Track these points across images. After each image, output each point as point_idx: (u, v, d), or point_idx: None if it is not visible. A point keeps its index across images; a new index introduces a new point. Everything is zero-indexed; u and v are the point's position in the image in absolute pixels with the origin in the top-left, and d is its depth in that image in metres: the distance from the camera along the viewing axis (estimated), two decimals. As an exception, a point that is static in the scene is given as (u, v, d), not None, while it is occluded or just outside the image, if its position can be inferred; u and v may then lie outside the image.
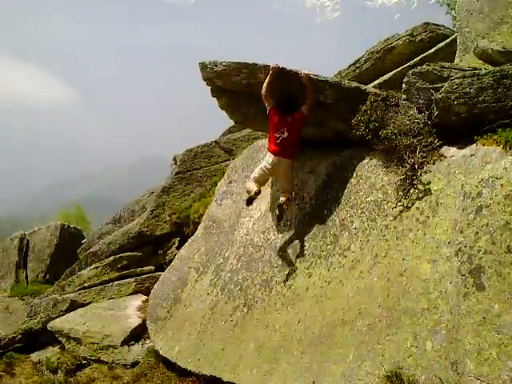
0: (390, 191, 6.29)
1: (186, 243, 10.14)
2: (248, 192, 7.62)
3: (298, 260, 7.12)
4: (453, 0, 17.90)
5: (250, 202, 7.65)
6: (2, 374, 10.69)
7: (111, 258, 12.88)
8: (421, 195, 5.78)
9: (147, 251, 12.85)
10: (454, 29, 11.14)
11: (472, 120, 5.61)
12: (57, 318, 11.49)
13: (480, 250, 4.29)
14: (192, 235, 10.30)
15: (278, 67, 7.06)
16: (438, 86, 5.99)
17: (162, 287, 9.62)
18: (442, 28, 11.02)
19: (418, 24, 11.11)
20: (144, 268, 12.28)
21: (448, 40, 10.22)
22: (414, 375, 4.68)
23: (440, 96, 5.77)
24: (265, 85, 7.09)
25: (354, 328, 5.62)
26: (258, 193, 7.40)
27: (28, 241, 18.26)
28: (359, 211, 6.59)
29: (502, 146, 5.24)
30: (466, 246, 4.46)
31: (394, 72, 10.11)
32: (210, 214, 9.88)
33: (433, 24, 11.05)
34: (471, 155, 5.53)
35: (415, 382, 4.65)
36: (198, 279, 8.82)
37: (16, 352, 11.61)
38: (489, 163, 5.16)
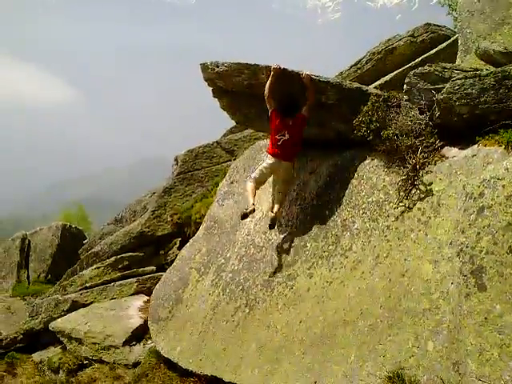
0: (391, 192, 6.30)
1: (188, 243, 10.15)
2: (246, 192, 7.75)
3: (299, 260, 7.13)
4: (454, 1, 17.89)
5: (244, 217, 7.66)
6: (4, 374, 10.69)
7: (113, 259, 12.89)
8: (422, 196, 5.79)
9: (149, 251, 12.87)
10: (456, 29, 11.18)
11: (474, 121, 5.61)
12: (58, 318, 11.50)
13: (482, 251, 4.30)
14: (193, 235, 10.31)
15: (280, 68, 7.07)
16: (440, 86, 6.00)
17: (163, 287, 9.63)
18: (443, 29, 11.03)
19: (420, 25, 11.12)
20: (145, 268, 12.29)
21: (449, 41, 10.23)
22: (416, 376, 4.69)
23: (441, 97, 5.78)
24: (267, 86, 7.10)
25: (356, 328, 5.62)
26: (252, 211, 7.46)
27: (29, 241, 18.28)
28: (361, 212, 6.60)
29: (503, 146, 5.25)
30: (467, 247, 4.47)
31: (395, 73, 10.13)
32: (212, 215, 9.88)
33: (434, 25, 11.07)
34: (473, 156, 5.54)
35: (417, 382, 4.65)
36: (199, 279, 8.82)
37: (18, 352, 11.61)
38: (490, 164, 5.17)
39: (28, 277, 17.25)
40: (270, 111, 7.27)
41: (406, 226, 5.80)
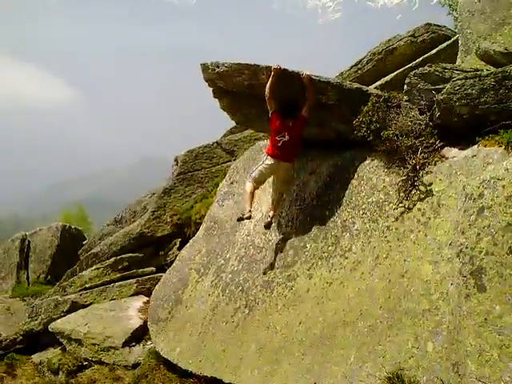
0: (391, 192, 6.29)
1: (187, 244, 10.14)
2: (245, 195, 7.85)
3: (299, 261, 7.12)
4: (454, 1, 17.89)
5: (240, 219, 7.76)
6: (4, 375, 10.69)
7: (112, 259, 12.88)
8: (422, 196, 5.78)
9: (148, 252, 12.85)
10: (456, 30, 11.17)
11: (474, 121, 5.60)
12: (58, 319, 11.49)
13: (481, 251, 4.29)
14: (193, 236, 10.30)
15: (280, 68, 7.06)
16: (440, 87, 5.99)
17: (163, 288, 9.62)
18: (443, 29, 11.01)
19: (420, 25, 11.10)
20: (145, 269, 12.29)
21: (450, 41, 10.22)
22: (415, 376, 4.68)
23: (442, 97, 5.77)
24: (268, 87, 7.07)
25: (355, 329, 5.62)
26: (248, 217, 7.59)
27: (29, 242, 18.25)
28: (360, 212, 6.59)
29: (503, 146, 5.24)
30: (467, 247, 4.45)
31: (395, 73, 10.11)
32: (212, 215, 9.88)
33: (434, 25, 11.04)
34: (473, 156, 5.53)
35: (416, 383, 4.65)
36: (199, 280, 8.81)
37: (17, 353, 11.61)
38: (490, 164, 5.17)
39: (28, 278, 17.22)
40: (270, 112, 7.25)
41: (406, 226, 5.79)
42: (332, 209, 7.09)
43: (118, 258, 12.81)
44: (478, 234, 4.37)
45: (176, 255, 10.95)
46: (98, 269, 12.89)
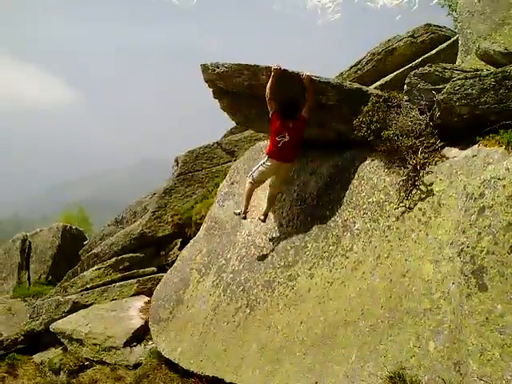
0: (392, 192, 6.30)
1: (188, 244, 10.16)
2: (244, 195, 8.15)
3: (300, 261, 7.13)
4: (454, 1, 17.90)
5: (236, 214, 8.40)
6: (5, 375, 10.69)
7: (113, 260, 12.88)
8: (423, 196, 5.79)
9: (149, 252, 12.86)
10: (456, 30, 11.19)
11: (474, 121, 5.62)
12: (59, 319, 11.50)
13: (482, 251, 4.30)
14: (194, 236, 10.32)
15: (280, 68, 7.07)
16: (440, 87, 6.01)
17: (164, 288, 9.64)
18: (443, 29, 11.03)
19: (420, 25, 11.12)
20: (146, 269, 12.29)
21: (449, 41, 10.24)
22: (417, 376, 4.69)
23: (442, 97, 5.78)
24: (268, 87, 7.08)
25: (357, 329, 5.63)
26: (244, 218, 8.26)
27: (30, 242, 18.26)
28: (361, 212, 6.60)
29: (504, 146, 5.25)
30: (468, 247, 4.46)
31: (395, 73, 10.13)
32: (212, 215, 9.89)
33: (434, 25, 11.06)
34: (473, 156, 5.54)
35: (418, 382, 4.65)
36: (200, 280, 8.83)
37: (18, 353, 11.61)
38: (491, 164, 5.18)
39: (29, 278, 17.23)
40: (270, 113, 7.26)
41: (407, 226, 5.80)
42: (333, 209, 7.11)
43: (119, 258, 12.81)
44: (479, 234, 4.38)
45: (177, 255, 10.97)
46: (99, 269, 12.90)
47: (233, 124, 12.47)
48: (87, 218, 29.55)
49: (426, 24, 11.08)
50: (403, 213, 5.95)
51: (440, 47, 10.29)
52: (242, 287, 7.78)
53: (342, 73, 11.79)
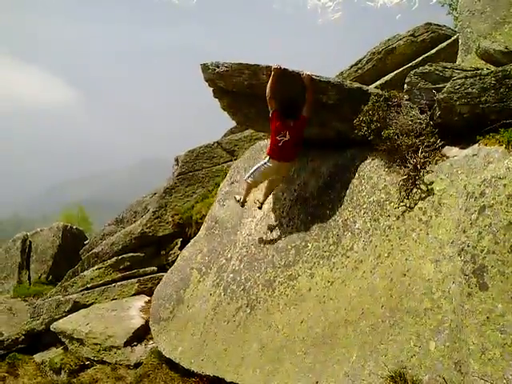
0: (392, 191, 6.30)
1: (189, 244, 10.16)
2: (244, 191, 8.48)
3: (300, 260, 7.13)
4: (454, 0, 17.90)
5: (235, 199, 8.81)
6: (6, 375, 10.70)
7: (114, 259, 12.88)
8: (423, 195, 5.79)
9: (150, 252, 12.85)
10: (456, 29, 11.18)
11: (474, 120, 5.61)
12: (60, 318, 11.51)
13: (483, 250, 4.30)
14: (194, 236, 10.32)
15: (280, 68, 7.06)
16: (440, 86, 6.00)
17: (164, 288, 9.64)
18: (443, 28, 11.03)
19: (420, 24, 11.13)
20: (146, 269, 12.28)
21: (450, 40, 10.23)
22: (418, 375, 4.69)
23: (442, 96, 5.78)
24: (268, 87, 7.06)
25: (357, 328, 5.63)
26: (241, 206, 8.64)
27: (30, 242, 18.27)
28: (362, 211, 6.60)
29: (504, 145, 5.24)
30: (469, 246, 4.47)
31: (395, 72, 10.13)
32: (213, 215, 9.89)
33: (434, 24, 11.07)
34: (473, 155, 5.54)
35: (419, 381, 4.65)
36: (200, 280, 8.83)
37: (19, 353, 11.63)
38: (491, 163, 5.17)
39: (29, 278, 17.25)
40: (271, 112, 7.25)
41: (407, 225, 5.80)
42: (333, 208, 7.10)
43: (120, 257, 12.81)
44: (480, 233, 4.39)
45: (177, 255, 10.97)
46: (99, 269, 12.90)
47: (233, 123, 12.46)
48: (87, 217, 29.58)
49: (426, 23, 11.08)
50: (404, 212, 5.95)
51: (440, 46, 10.29)
52: (242, 287, 7.78)
53: (342, 72, 11.79)
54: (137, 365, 9.16)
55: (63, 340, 10.91)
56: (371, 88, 7.48)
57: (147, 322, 9.69)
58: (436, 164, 5.89)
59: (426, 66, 6.36)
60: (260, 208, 8.40)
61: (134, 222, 14.42)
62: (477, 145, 5.61)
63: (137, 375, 8.72)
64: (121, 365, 9.38)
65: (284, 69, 7.10)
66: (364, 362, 5.31)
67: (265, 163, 7.65)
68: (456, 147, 5.90)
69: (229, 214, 9.39)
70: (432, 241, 5.35)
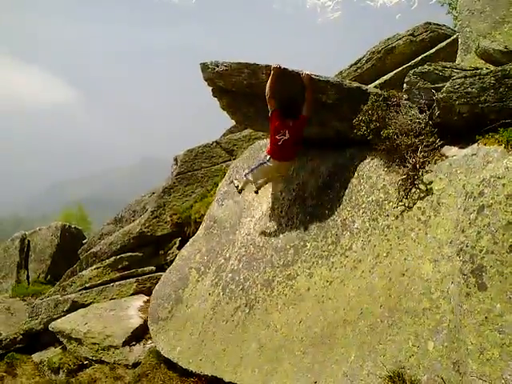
0: (391, 191, 6.28)
1: (187, 243, 10.14)
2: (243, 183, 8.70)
3: (299, 260, 7.11)
4: (454, 0, 17.89)
5: (236, 186, 8.99)
6: (4, 374, 10.70)
7: (112, 259, 12.88)
8: (422, 195, 5.77)
9: (148, 251, 12.86)
10: (455, 28, 11.18)
11: (473, 120, 5.60)
12: (58, 318, 11.51)
13: (482, 250, 4.29)
14: (193, 235, 10.30)
15: (280, 67, 7.04)
16: (440, 85, 5.98)
17: (163, 287, 9.62)
18: (443, 28, 11.03)
19: (419, 24, 11.12)
20: (145, 268, 12.29)
21: (449, 40, 10.23)
22: (416, 375, 4.68)
23: (441, 96, 5.76)
24: (268, 86, 7.05)
25: (356, 328, 5.61)
26: (239, 192, 8.91)
27: (29, 241, 18.26)
28: (361, 211, 6.58)
29: (503, 145, 5.23)
30: (467, 246, 4.45)
31: (395, 72, 10.13)
32: (212, 214, 9.88)
33: (434, 24, 11.07)
34: (473, 155, 5.52)
35: (417, 381, 4.64)
36: (199, 279, 8.82)
37: (17, 352, 11.63)
38: (490, 163, 5.15)
39: (28, 277, 17.24)
40: (270, 112, 7.23)
41: (406, 225, 5.79)
42: (332, 208, 7.09)
43: (118, 257, 12.81)
44: (479, 233, 4.37)
45: (176, 254, 10.95)
46: (97, 268, 12.90)
47: (232, 123, 12.47)
48: (86, 216, 29.59)
49: (425, 22, 11.08)
50: (402, 212, 5.93)
51: (439, 46, 10.29)
52: (241, 286, 7.77)
53: (341, 71, 11.79)
54: (135, 364, 9.15)
55: (61, 340, 10.91)
56: (370, 87, 7.47)
57: (146, 321, 9.69)
58: (435, 164, 5.87)
59: (426, 66, 6.34)
60: (256, 193, 8.53)
61: (133, 221, 14.40)
62: (476, 144, 5.59)
63: (135, 375, 8.71)
64: (119, 364, 9.37)
65: (283, 68, 7.08)
66: (362, 361, 5.30)
67: (265, 162, 7.64)
68: (455, 147, 5.88)
69: (227, 213, 9.38)
70: (431, 240, 5.33)
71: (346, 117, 6.96)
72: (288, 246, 7.44)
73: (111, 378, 9.12)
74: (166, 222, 12.72)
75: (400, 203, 6.00)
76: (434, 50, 10.28)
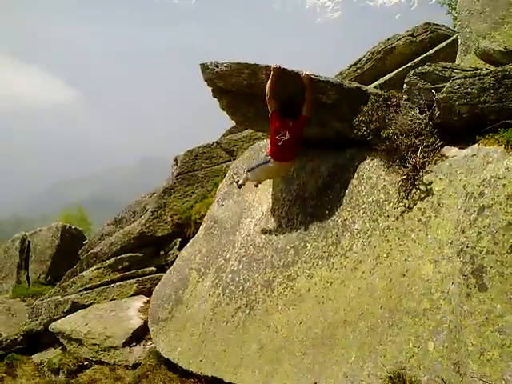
0: (391, 191, 6.28)
1: (188, 244, 10.14)
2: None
3: (299, 261, 7.11)
4: (453, 0, 17.89)
5: (236, 182, 9.10)
6: (4, 375, 10.70)
7: (112, 259, 12.86)
8: (422, 195, 5.77)
9: (148, 252, 12.83)
10: (455, 29, 11.16)
11: (473, 120, 5.60)
12: (58, 319, 11.50)
13: (482, 251, 4.28)
14: (193, 236, 10.30)
15: (280, 68, 7.04)
16: (440, 86, 5.98)
17: (163, 288, 9.62)
18: (442, 28, 11.03)
19: (419, 24, 11.12)
20: (145, 269, 12.27)
21: (449, 40, 10.23)
22: (417, 376, 4.68)
23: (441, 96, 5.76)
24: (268, 87, 7.04)
25: (356, 329, 5.61)
26: (240, 187, 8.97)
27: (29, 242, 18.24)
28: (361, 212, 6.58)
29: (503, 145, 5.23)
30: (468, 247, 4.45)
31: (394, 72, 10.12)
32: (212, 215, 9.88)
33: (433, 24, 11.06)
34: (473, 155, 5.52)
35: (417, 382, 4.64)
36: (199, 280, 8.82)
37: (17, 353, 11.62)
38: (490, 163, 5.16)
39: (28, 278, 17.23)
40: (270, 112, 7.23)
41: (407, 225, 5.78)
42: (332, 208, 7.09)
43: (118, 257, 12.79)
44: (479, 233, 4.37)
45: (176, 255, 10.95)
46: (98, 269, 12.87)
47: (232, 123, 12.45)
48: (86, 217, 29.56)
49: (425, 23, 11.08)
50: (403, 212, 5.93)
51: (439, 46, 10.29)
52: (241, 287, 7.77)
53: (341, 72, 11.78)
54: (135, 365, 9.15)
55: (62, 340, 10.90)
56: (370, 88, 7.46)
57: (146, 322, 9.68)
58: (435, 164, 5.87)
59: (425, 66, 6.34)
60: (256, 186, 8.64)
61: (133, 222, 14.37)
62: (476, 145, 5.59)
63: (135, 376, 8.71)
64: (119, 365, 9.37)
65: (283, 68, 7.07)
66: (363, 362, 5.30)
67: (266, 162, 7.65)
68: (455, 147, 5.88)
69: (228, 214, 9.38)
70: (431, 241, 5.33)
71: (345, 117, 6.96)
72: (288, 247, 7.44)
73: (111, 378, 9.12)
74: (166, 223, 12.71)
75: (400, 204, 6.00)
76: (433, 50, 10.27)
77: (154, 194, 14.91)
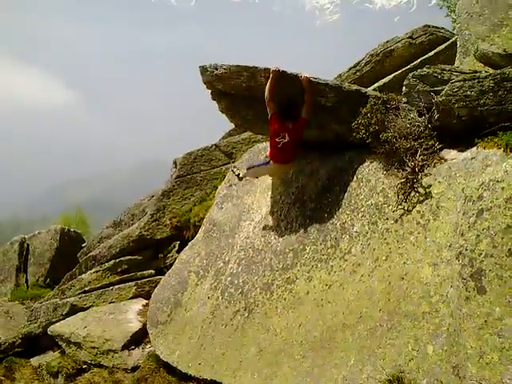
0: (390, 194, 6.28)
1: (187, 247, 10.12)
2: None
3: (298, 264, 7.10)
4: (452, 2, 17.91)
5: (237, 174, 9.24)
6: (2, 378, 10.66)
7: (111, 262, 12.82)
8: (421, 198, 5.77)
9: (147, 255, 12.80)
10: (454, 31, 11.16)
11: (472, 123, 5.60)
12: (57, 322, 11.44)
13: (481, 254, 4.28)
14: (192, 239, 10.28)
15: (279, 70, 7.04)
16: (439, 88, 5.98)
17: (162, 291, 9.60)
18: (441, 30, 11.03)
19: (418, 26, 11.12)
20: (144, 272, 12.24)
21: (448, 43, 10.22)
22: (416, 379, 4.68)
23: (440, 99, 5.76)
24: (267, 89, 7.04)
25: (355, 332, 5.61)
26: (240, 179, 9.15)
27: (28, 245, 18.20)
28: (360, 214, 6.58)
29: (502, 148, 5.23)
30: (466, 250, 4.45)
31: (393, 75, 10.11)
32: (211, 218, 9.86)
33: (433, 26, 11.06)
34: (472, 158, 5.52)
35: (417, 386, 4.64)
36: (198, 283, 8.80)
37: (16, 356, 11.56)
38: (489, 166, 5.16)
39: (27, 281, 17.17)
40: (269, 114, 7.23)
41: (405, 228, 5.78)
42: (331, 211, 7.08)
43: (117, 260, 12.75)
44: (478, 236, 4.37)
45: (175, 258, 10.92)
46: (97, 272, 12.84)
47: (231, 126, 12.44)
48: (85, 219, 29.48)
49: (424, 25, 11.07)
50: (402, 215, 5.93)
51: (438, 49, 10.28)
52: (240, 290, 7.75)
53: (340, 74, 11.78)
54: (134, 368, 9.10)
55: (60, 343, 10.85)
56: (369, 90, 7.46)
57: (145, 325, 9.65)
58: (434, 167, 5.87)
59: (425, 69, 6.34)
60: (256, 177, 8.76)
61: (132, 224, 14.35)
62: (475, 148, 5.59)
63: (134, 379, 8.68)
64: (118, 368, 9.33)
65: (282, 71, 7.07)
66: (362, 365, 5.29)
67: (265, 163, 7.67)
68: (454, 150, 5.89)
69: (227, 216, 9.36)
70: (430, 244, 5.33)
71: (345, 120, 6.96)
72: (287, 250, 7.43)
73: (110, 382, 9.09)
74: (165, 226, 12.69)
75: (399, 207, 6.00)
76: (432, 52, 10.27)
77: (153, 196, 14.89)
